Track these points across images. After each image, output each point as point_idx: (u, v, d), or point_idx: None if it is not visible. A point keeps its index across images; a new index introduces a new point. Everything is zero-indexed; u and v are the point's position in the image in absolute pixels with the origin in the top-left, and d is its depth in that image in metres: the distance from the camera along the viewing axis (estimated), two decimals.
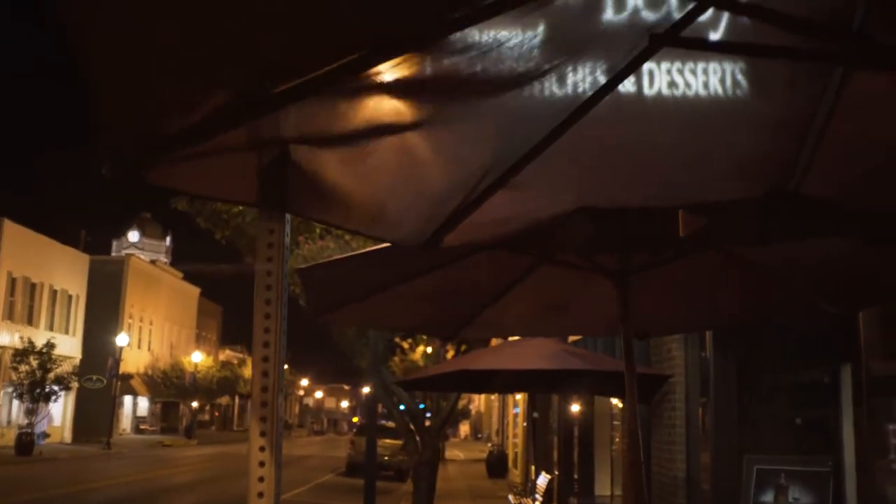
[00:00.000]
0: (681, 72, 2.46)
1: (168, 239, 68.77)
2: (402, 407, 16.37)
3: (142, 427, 56.99)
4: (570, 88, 2.08)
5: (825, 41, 1.90)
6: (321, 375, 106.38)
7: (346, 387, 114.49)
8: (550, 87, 2.08)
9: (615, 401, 12.80)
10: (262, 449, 1.78)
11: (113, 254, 60.99)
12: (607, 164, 2.72)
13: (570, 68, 2.01)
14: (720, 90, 2.50)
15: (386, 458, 26.52)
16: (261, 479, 1.74)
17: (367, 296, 4.17)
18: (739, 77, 2.49)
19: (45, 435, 39.66)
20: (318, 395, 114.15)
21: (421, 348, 22.07)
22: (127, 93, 1.40)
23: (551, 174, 2.52)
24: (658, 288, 4.25)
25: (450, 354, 17.93)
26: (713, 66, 2.47)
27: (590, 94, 2.10)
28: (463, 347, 16.37)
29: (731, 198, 2.67)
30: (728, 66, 2.47)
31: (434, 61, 1.85)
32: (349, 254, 3.72)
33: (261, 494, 1.73)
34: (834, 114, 2.34)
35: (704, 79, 2.49)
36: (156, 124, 1.57)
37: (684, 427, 9.45)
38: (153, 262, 60.88)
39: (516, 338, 9.52)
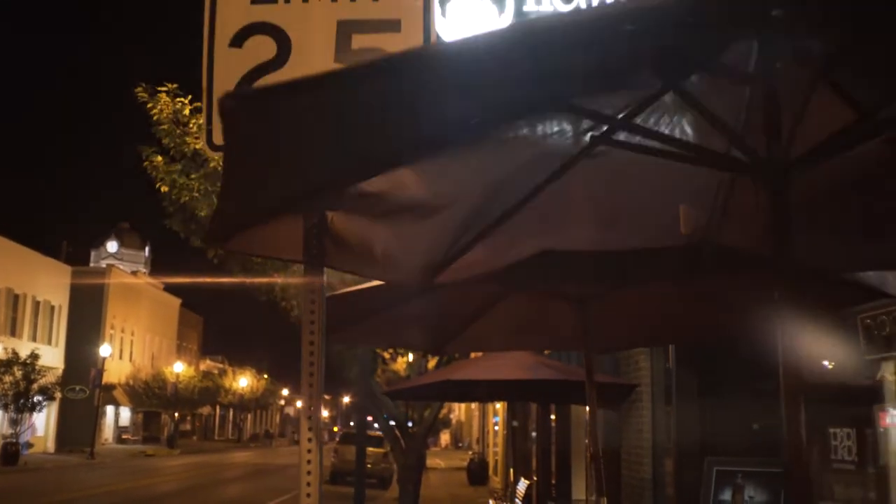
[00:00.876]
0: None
1: (147, 249, 68.48)
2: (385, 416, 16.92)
3: (124, 437, 57.06)
4: (532, 173, 2.80)
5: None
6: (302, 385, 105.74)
7: (327, 396, 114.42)
8: (517, 172, 2.79)
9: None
10: (309, 440, 2.48)
11: (91, 264, 60.72)
12: (565, 216, 3.44)
13: (532, 160, 2.71)
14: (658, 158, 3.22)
15: (369, 465, 26.90)
16: (308, 462, 2.44)
17: (367, 317, 4.84)
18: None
19: (29, 445, 39.82)
20: (299, 404, 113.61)
21: (402, 359, 22.49)
22: (239, 201, 2.11)
23: (520, 227, 3.22)
24: (617, 309, 4.85)
25: (431, 364, 18.42)
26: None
27: (548, 176, 2.81)
28: (444, 359, 16.85)
29: (663, 245, 3.38)
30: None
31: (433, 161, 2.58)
32: (360, 286, 4.39)
33: (309, 472, 2.43)
34: (734, 185, 3.08)
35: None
36: (247, 217, 2.28)
37: (650, 432, 10.08)
38: (133, 272, 60.92)
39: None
